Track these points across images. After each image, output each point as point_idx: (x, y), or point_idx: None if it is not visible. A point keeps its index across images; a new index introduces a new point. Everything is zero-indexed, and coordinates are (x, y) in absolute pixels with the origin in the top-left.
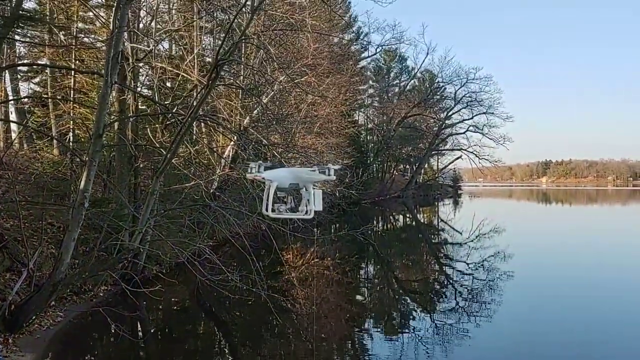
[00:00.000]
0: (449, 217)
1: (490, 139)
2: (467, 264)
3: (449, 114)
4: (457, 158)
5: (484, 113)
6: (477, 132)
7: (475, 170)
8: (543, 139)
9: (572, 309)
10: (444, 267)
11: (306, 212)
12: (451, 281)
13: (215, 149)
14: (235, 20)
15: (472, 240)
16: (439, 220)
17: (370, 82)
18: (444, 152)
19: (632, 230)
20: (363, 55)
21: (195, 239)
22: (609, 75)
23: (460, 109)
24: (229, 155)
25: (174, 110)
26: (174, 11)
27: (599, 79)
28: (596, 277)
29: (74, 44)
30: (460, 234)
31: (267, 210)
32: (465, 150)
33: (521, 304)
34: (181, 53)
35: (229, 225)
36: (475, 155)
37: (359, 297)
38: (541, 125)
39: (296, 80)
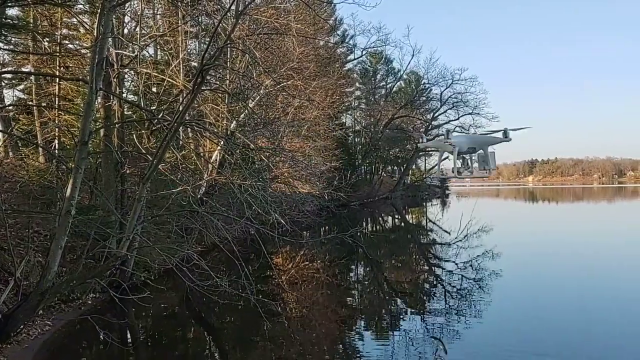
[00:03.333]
0: (437, 218)
1: None
2: (456, 264)
3: (435, 115)
4: (445, 158)
5: (470, 114)
6: (463, 132)
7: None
8: (529, 139)
9: (560, 307)
10: (433, 267)
11: (486, 171)
12: (440, 281)
13: (202, 154)
14: (220, 25)
15: (460, 240)
16: (428, 220)
17: (357, 84)
18: (430, 152)
19: (616, 228)
20: (349, 57)
21: (184, 245)
22: (594, 73)
23: (446, 110)
24: (216, 160)
25: (160, 116)
26: (158, 16)
27: (584, 78)
28: (583, 275)
29: (58, 50)
30: (449, 234)
31: (454, 172)
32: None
33: (510, 303)
34: (166, 58)
35: (217, 231)
36: None
37: (349, 299)
38: (527, 125)
39: (282, 84)
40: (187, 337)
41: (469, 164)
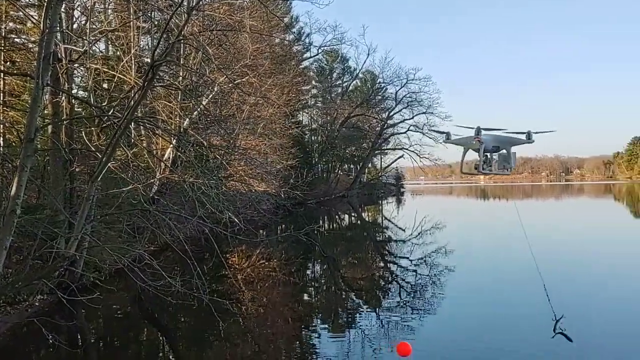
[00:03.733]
0: (393, 215)
1: (431, 138)
2: (411, 260)
3: (391, 114)
4: (399, 157)
5: (424, 113)
6: (417, 131)
7: (416, 169)
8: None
9: (509, 300)
10: (388, 264)
11: (506, 169)
12: (395, 277)
13: (155, 152)
14: (173, 21)
15: (414, 237)
16: (383, 218)
17: (314, 82)
18: (386, 151)
19: (563, 223)
20: (305, 55)
21: (135, 245)
22: (541, 73)
23: (401, 109)
24: (169, 158)
25: (110, 113)
26: (109, 11)
27: (532, 77)
28: (532, 268)
29: (3, 44)
30: (404, 231)
31: (477, 168)
32: (406, 149)
33: (462, 298)
34: (118, 54)
35: (170, 230)
36: (417, 154)
37: (305, 297)
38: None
39: (237, 81)
40: (139, 338)
41: (491, 161)
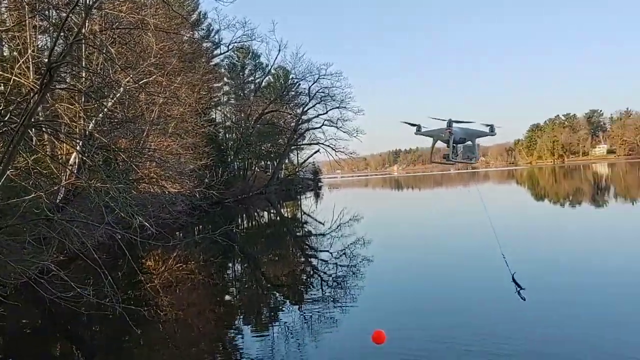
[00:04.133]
0: (312, 210)
1: (345, 132)
2: (331, 253)
3: (305, 109)
4: (316, 152)
5: (337, 107)
6: (332, 126)
7: (333, 163)
8: (392, 130)
9: (426, 287)
10: (309, 258)
11: (470, 159)
12: (317, 271)
13: (59, 157)
14: (72, 19)
15: (334, 230)
16: (302, 213)
17: (225, 79)
18: (302, 146)
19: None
20: (216, 52)
21: (42, 256)
22: (445, 64)
23: (315, 104)
24: (74, 163)
25: (6, 118)
26: (3, 9)
27: (436, 68)
28: (445, 255)
29: None
30: (323, 224)
31: (445, 158)
32: (322, 144)
33: (381, 287)
34: (15, 55)
35: (79, 238)
36: (332, 148)
37: (226, 297)
38: (390, 116)
39: (143, 81)
40: (52, 353)
41: (457, 152)
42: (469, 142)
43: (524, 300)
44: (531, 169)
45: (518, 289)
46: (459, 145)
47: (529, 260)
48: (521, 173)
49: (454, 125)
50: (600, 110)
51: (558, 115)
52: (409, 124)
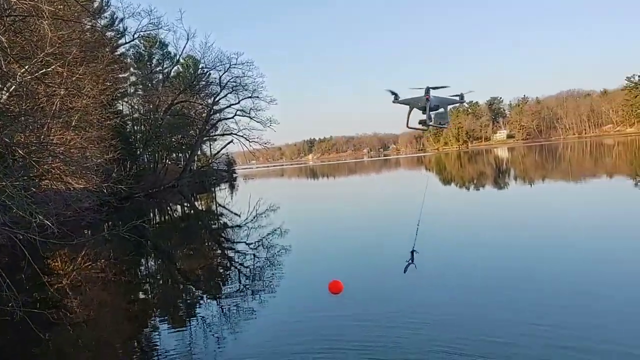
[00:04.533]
0: (227, 202)
1: (258, 121)
2: (248, 245)
3: (216, 99)
4: (229, 142)
5: (250, 97)
6: (245, 116)
7: (247, 153)
8: (307, 118)
9: (346, 273)
10: (226, 250)
11: (442, 124)
12: (234, 263)
13: None
14: None
15: (250, 221)
16: (217, 205)
17: (132, 69)
18: (215, 137)
19: (389, 196)
20: (120, 42)
21: None
22: (353, 55)
23: (227, 94)
24: None
25: None
26: None
27: (344, 59)
28: (366, 240)
29: None
30: (239, 216)
31: (421, 124)
32: (235, 134)
33: (298, 275)
34: None
35: None
36: (246, 138)
37: (141, 295)
38: (303, 105)
39: (41, 72)
40: None
41: (431, 118)
42: (442, 109)
43: (407, 271)
44: (438, 155)
45: (409, 261)
46: (432, 112)
47: (433, 238)
48: (429, 159)
49: (434, 92)
50: (500, 98)
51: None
52: (391, 92)
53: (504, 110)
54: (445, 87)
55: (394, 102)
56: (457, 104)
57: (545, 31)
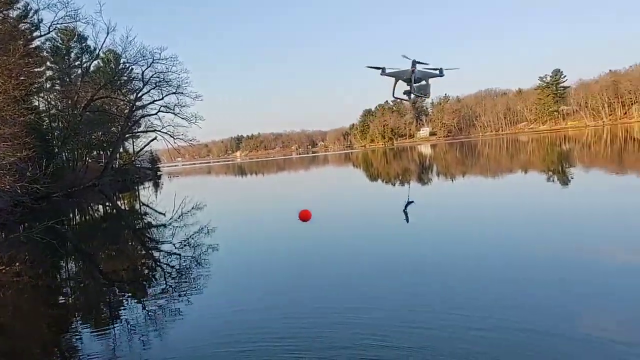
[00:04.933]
0: (151, 200)
1: (183, 118)
2: (174, 244)
3: (139, 95)
4: (153, 139)
5: (174, 93)
6: (169, 112)
7: (172, 150)
8: (235, 115)
9: (272, 270)
10: (150, 250)
11: (423, 96)
12: (159, 264)
13: None
14: None
15: (176, 220)
16: (141, 204)
17: (48, 63)
18: (138, 134)
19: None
20: (35, 34)
21: None
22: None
23: (150, 90)
24: None
25: None
26: None
27: (267, 56)
28: (291, 234)
29: None
30: (164, 215)
31: (405, 95)
32: (159, 131)
33: (225, 274)
34: None
35: None
36: (170, 135)
37: (60, 299)
38: (230, 102)
39: None
40: None
41: (414, 89)
42: (424, 82)
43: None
44: (365, 151)
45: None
46: (415, 84)
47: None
48: (357, 156)
49: (420, 65)
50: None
51: (387, 101)
52: (374, 67)
53: (427, 108)
54: (427, 64)
55: (381, 74)
56: (438, 77)
57: (461, 32)
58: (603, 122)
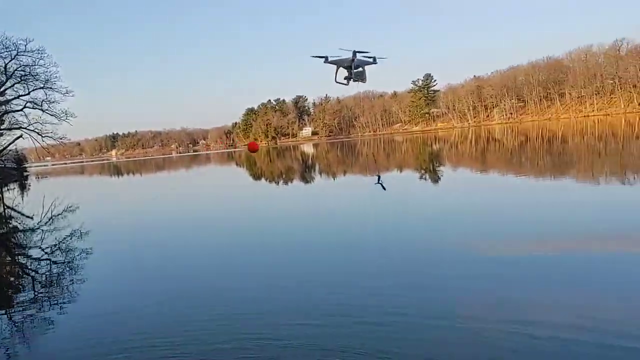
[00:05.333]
0: (17, 203)
1: (52, 115)
2: (43, 249)
3: (2, 89)
4: (18, 138)
5: (42, 88)
6: (36, 108)
7: (40, 149)
8: (109, 111)
9: (154, 269)
10: (17, 257)
11: (360, 80)
12: (27, 271)
13: None
14: None
15: (45, 224)
16: (5, 207)
17: None
18: (1, 132)
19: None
20: None
21: None
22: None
23: (14, 84)
24: None
25: None
26: None
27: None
28: (172, 234)
29: None
30: (31, 218)
31: (346, 80)
32: (25, 128)
33: (99, 278)
34: None
35: None
36: (38, 133)
37: None
38: (105, 99)
39: None
40: None
41: (353, 76)
42: (361, 69)
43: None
44: (246, 151)
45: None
46: (354, 70)
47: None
48: (240, 155)
49: (359, 54)
50: (305, 96)
51: (270, 100)
52: (318, 57)
53: (309, 108)
54: (367, 52)
55: (325, 62)
56: (372, 65)
57: (342, 33)
58: (469, 123)
